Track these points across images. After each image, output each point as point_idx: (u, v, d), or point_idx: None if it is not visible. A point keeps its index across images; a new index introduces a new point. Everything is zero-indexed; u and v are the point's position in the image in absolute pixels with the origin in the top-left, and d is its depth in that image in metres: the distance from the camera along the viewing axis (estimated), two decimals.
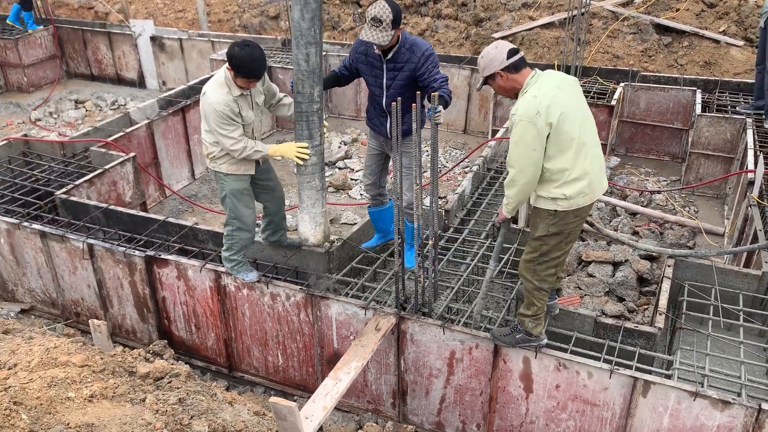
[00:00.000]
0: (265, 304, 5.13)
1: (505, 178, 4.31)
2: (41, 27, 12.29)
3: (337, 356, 4.93)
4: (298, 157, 4.64)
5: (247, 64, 4.29)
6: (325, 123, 4.82)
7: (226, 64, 4.41)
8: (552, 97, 3.73)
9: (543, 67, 9.75)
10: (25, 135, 8.00)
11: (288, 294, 5.00)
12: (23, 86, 12.10)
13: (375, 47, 4.65)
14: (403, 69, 4.66)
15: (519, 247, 5.51)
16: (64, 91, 12.36)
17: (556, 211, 3.84)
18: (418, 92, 4.10)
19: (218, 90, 4.41)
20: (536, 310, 4.20)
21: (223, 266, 5.13)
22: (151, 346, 5.39)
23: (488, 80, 3.93)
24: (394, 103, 4.08)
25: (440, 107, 4.19)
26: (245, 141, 4.51)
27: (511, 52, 3.84)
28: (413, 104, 4.08)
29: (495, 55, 3.85)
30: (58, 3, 14.79)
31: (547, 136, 3.70)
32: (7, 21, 12.26)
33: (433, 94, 4.18)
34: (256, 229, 5.12)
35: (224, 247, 5.00)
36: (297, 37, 4.41)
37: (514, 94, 3.96)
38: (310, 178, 4.79)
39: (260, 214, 5.35)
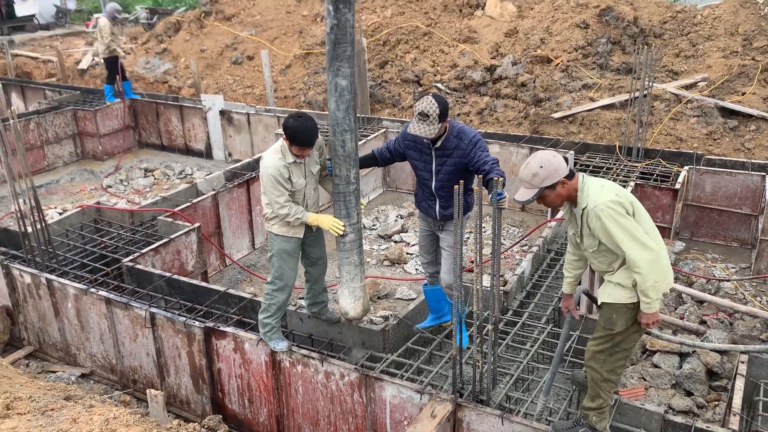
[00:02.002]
0: (319, 382, 5.08)
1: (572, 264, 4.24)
2: (118, 100, 13.04)
3: None
4: (331, 230, 4.85)
5: (300, 134, 4.62)
6: (363, 203, 5.05)
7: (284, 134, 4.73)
8: (618, 186, 3.81)
9: (604, 148, 9.75)
10: (98, 202, 8.37)
11: (342, 373, 4.94)
12: (98, 154, 12.75)
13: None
14: (452, 155, 4.79)
15: (581, 335, 5.34)
16: (135, 160, 12.96)
17: (635, 303, 3.78)
18: (479, 176, 4.16)
19: (273, 156, 4.77)
20: (602, 402, 4.03)
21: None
22: (205, 420, 5.37)
23: (546, 190, 3.84)
24: (456, 186, 4.11)
25: (505, 192, 4.19)
26: (290, 207, 4.81)
27: (566, 159, 3.84)
28: (473, 186, 4.14)
29: (558, 163, 3.79)
30: (136, 77, 15.73)
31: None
32: (107, 102, 12.99)
33: (495, 179, 4.20)
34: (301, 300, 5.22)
35: (261, 308, 5.15)
36: (333, 125, 4.70)
37: (565, 201, 3.94)
38: (349, 254, 4.95)
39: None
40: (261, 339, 5.22)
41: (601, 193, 3.71)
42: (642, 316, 3.81)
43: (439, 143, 4.81)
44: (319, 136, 4.92)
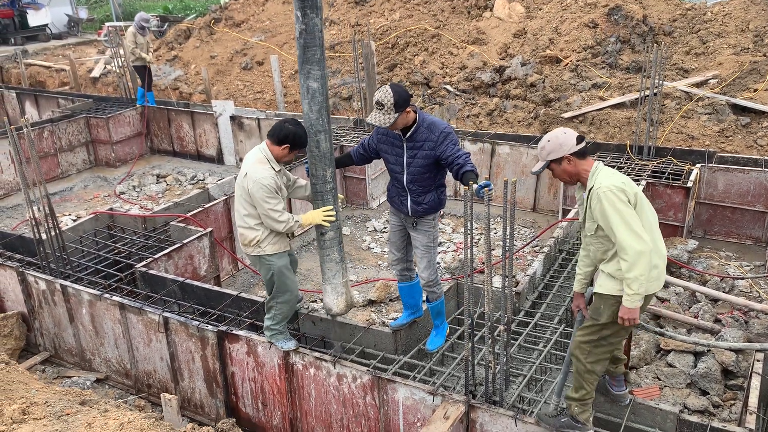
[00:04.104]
0: (331, 385, 5.10)
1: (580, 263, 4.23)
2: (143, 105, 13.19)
3: None
4: (325, 221, 5.01)
5: (302, 138, 4.80)
6: (341, 195, 5.17)
7: (265, 143, 4.84)
8: (627, 178, 3.82)
9: (615, 147, 9.68)
10: (111, 209, 8.44)
11: (354, 375, 4.95)
12: (111, 161, 12.86)
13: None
14: (422, 147, 4.78)
15: None
16: (147, 166, 13.05)
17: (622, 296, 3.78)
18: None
19: (261, 167, 4.78)
20: (584, 394, 4.05)
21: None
22: (219, 424, 5.40)
23: (552, 164, 3.94)
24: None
25: (491, 182, 4.18)
26: (287, 214, 4.84)
27: (579, 139, 3.90)
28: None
29: (565, 139, 3.89)
30: None
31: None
32: (138, 104, 13.20)
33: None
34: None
35: (268, 316, 5.22)
36: (308, 126, 4.87)
37: (575, 179, 3.98)
38: (329, 251, 5.08)
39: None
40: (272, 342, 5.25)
41: (608, 178, 3.76)
42: (621, 309, 3.77)
43: (409, 134, 4.78)
44: None
